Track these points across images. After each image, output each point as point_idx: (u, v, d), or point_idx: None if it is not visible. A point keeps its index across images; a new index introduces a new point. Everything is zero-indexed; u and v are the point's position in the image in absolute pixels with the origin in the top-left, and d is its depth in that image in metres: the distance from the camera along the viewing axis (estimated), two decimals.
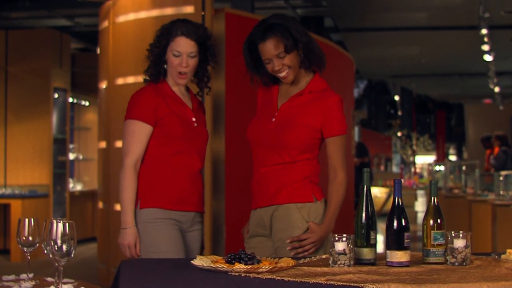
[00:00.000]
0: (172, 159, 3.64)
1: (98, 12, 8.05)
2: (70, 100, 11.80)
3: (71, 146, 12.21)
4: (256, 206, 3.59)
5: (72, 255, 2.56)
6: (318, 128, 3.52)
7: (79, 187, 12.54)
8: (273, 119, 3.56)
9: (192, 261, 2.72)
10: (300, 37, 3.50)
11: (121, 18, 7.33)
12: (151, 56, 3.74)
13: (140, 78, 7.09)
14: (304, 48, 3.52)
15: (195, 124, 3.72)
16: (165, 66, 3.73)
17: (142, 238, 3.56)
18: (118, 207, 7.23)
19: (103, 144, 7.65)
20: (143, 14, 7.13)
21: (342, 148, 3.54)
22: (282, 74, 3.53)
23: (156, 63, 3.72)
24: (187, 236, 3.68)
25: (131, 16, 7.23)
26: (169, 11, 6.91)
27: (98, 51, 8.09)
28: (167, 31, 3.69)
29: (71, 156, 12.25)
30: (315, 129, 3.52)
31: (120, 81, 7.29)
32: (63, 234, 2.53)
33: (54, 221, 2.54)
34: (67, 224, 2.54)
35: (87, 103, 12.93)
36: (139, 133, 3.59)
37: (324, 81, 3.63)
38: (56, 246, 2.52)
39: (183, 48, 3.65)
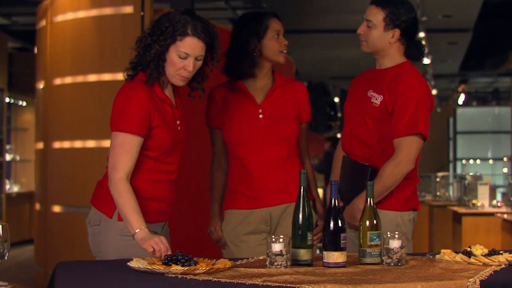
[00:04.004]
0: (153, 169, 3.30)
1: (35, 11, 7.94)
2: (7, 100, 11.63)
3: (7, 146, 12.02)
4: (262, 206, 3.72)
5: (6, 257, 2.52)
6: (299, 116, 3.82)
7: (16, 189, 12.35)
8: (260, 116, 3.73)
9: (128, 263, 2.70)
10: None
11: (59, 18, 7.24)
12: (151, 54, 3.21)
13: (78, 79, 7.09)
14: None
15: (179, 128, 3.37)
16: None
17: (119, 251, 3.23)
18: (55, 208, 7.15)
19: (40, 145, 7.55)
20: (81, 14, 7.05)
21: (307, 134, 3.90)
22: (285, 51, 3.81)
23: (157, 63, 3.22)
24: None
25: (69, 16, 7.14)
26: (108, 11, 6.85)
27: (36, 50, 7.98)
28: (174, 27, 3.17)
29: (8, 157, 12.06)
30: (299, 118, 3.82)
31: (58, 81, 7.20)
32: None
33: None
34: (0, 226, 2.49)
35: (24, 103, 12.75)
36: (131, 145, 3.16)
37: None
38: None
39: (193, 50, 3.18)
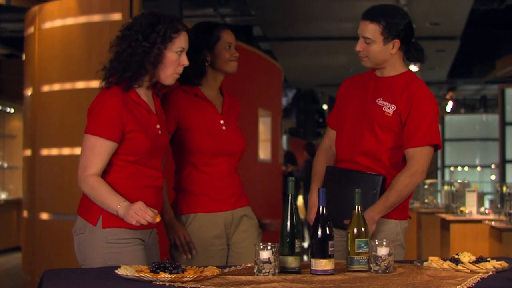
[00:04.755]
0: (137, 174, 3.29)
1: (24, 18, 7.92)
2: None
3: None
4: (226, 208, 3.75)
5: None
6: None
7: (4, 196, 12.32)
8: (224, 128, 3.76)
9: (116, 271, 2.70)
10: None
11: (48, 24, 7.23)
12: (148, 58, 3.26)
13: (66, 86, 7.07)
14: None
15: (159, 132, 3.37)
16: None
17: (105, 259, 3.20)
18: (43, 216, 7.13)
19: (28, 152, 7.53)
20: (70, 21, 7.04)
21: None
22: (236, 61, 3.81)
23: (154, 65, 3.27)
24: (149, 250, 3.40)
25: (58, 23, 7.14)
26: (96, 18, 6.85)
27: (24, 57, 7.96)
28: (167, 27, 3.26)
29: None
30: None
31: (46, 88, 7.19)
32: None
33: None
34: None
35: (12, 110, 12.72)
36: (100, 149, 3.19)
37: None
38: None
39: (186, 43, 3.32)
